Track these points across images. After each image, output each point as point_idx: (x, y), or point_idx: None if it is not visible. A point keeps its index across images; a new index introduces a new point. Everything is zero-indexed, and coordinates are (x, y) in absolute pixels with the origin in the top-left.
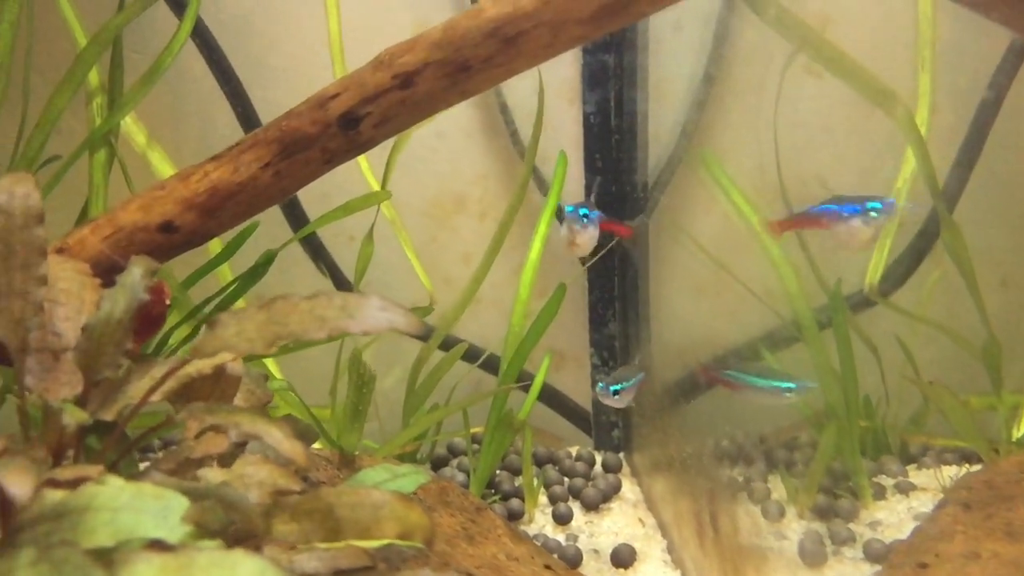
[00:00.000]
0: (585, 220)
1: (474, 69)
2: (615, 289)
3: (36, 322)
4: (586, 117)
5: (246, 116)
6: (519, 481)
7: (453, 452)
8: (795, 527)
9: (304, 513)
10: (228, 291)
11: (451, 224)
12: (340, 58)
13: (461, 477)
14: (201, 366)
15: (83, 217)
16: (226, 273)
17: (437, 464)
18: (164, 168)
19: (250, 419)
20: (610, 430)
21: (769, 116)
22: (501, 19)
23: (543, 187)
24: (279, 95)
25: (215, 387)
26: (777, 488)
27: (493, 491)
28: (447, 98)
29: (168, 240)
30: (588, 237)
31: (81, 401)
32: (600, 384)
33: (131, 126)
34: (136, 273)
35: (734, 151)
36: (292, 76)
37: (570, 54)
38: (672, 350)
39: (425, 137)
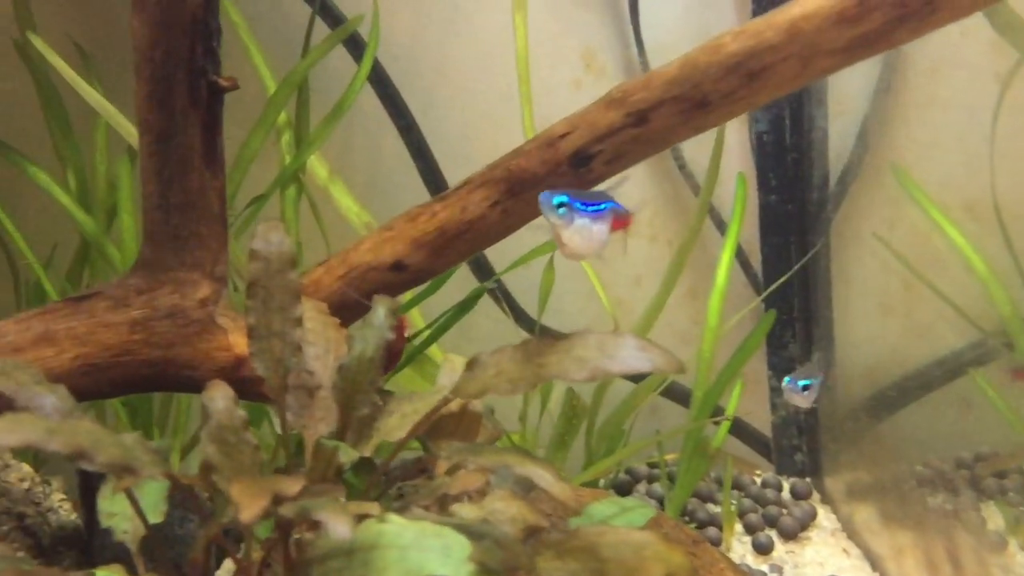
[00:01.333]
0: (564, 213)
1: (713, 105)
2: (794, 310)
3: (294, 362)
4: (758, 136)
5: (419, 151)
6: (711, 508)
7: (635, 477)
8: (1020, 560)
9: (568, 552)
10: (437, 324)
11: (621, 247)
12: (527, 89)
13: (653, 504)
14: (451, 404)
15: None
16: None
17: (620, 490)
18: (345, 200)
19: (519, 460)
20: (792, 454)
21: (982, 129)
22: (744, 53)
23: (711, 212)
24: (449, 127)
25: (460, 424)
26: (992, 518)
27: (687, 519)
28: (681, 133)
29: (398, 278)
30: (576, 235)
31: (337, 437)
32: (787, 380)
33: (313, 161)
34: (381, 312)
35: (918, 166)
36: (462, 108)
37: None
38: (859, 370)
39: None
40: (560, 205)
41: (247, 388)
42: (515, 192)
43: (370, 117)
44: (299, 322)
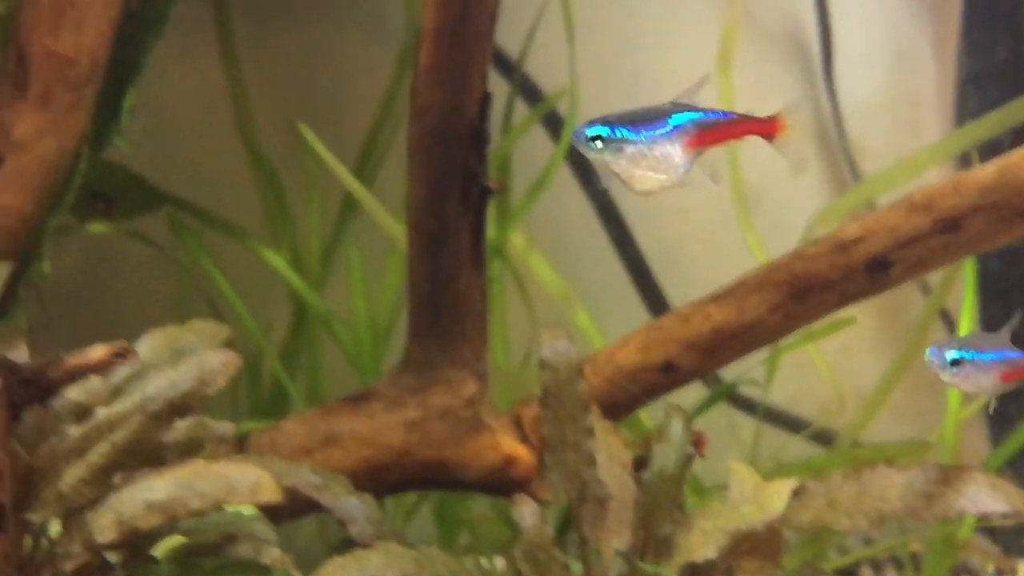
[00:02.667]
0: (603, 147)
1: None
2: None
3: (589, 473)
4: None
5: (610, 215)
6: None
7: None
8: None
9: None
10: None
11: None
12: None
13: None
14: (755, 523)
15: None
16: None
17: None
18: (544, 271)
19: None
20: (1019, 536)
21: None
22: None
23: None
24: (655, 215)
25: (763, 543)
26: None
27: None
28: (1000, 240)
29: (667, 379)
30: (633, 168)
31: (637, 553)
32: (931, 349)
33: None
34: (679, 427)
35: None
36: (665, 195)
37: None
38: None
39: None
40: (595, 138)
41: (515, 488)
42: (799, 297)
43: (555, 182)
44: (591, 432)
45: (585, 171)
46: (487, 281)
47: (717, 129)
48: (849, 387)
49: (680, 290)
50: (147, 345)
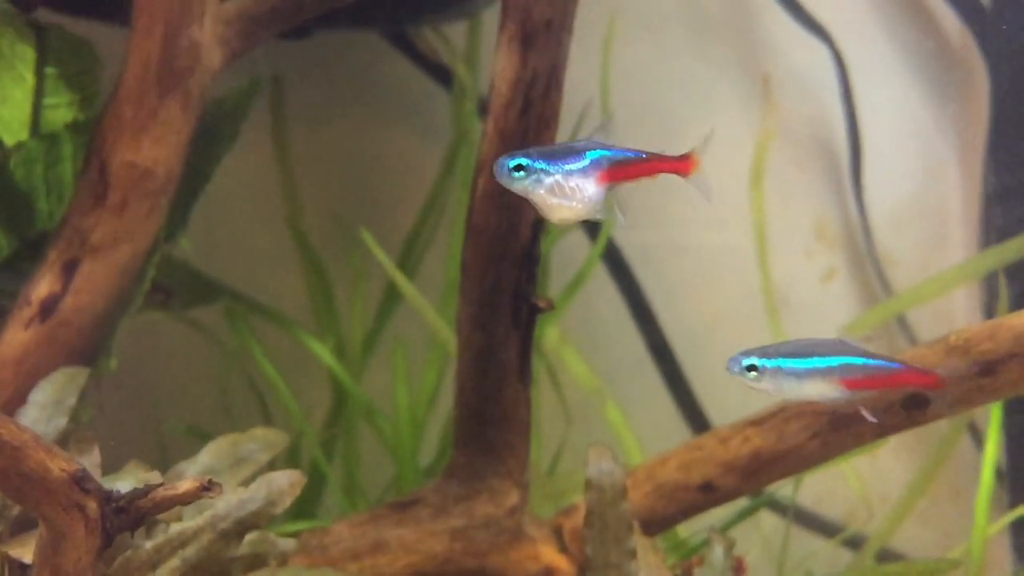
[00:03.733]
0: (524, 176)
1: None
2: None
3: None
4: None
5: (643, 313)
6: None
7: None
8: None
9: None
10: None
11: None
12: (764, 257)
13: None
14: None
15: None
16: None
17: None
18: (577, 366)
19: None
20: None
21: None
22: None
23: None
24: (676, 287)
25: None
26: None
27: None
28: None
29: (705, 499)
30: (552, 196)
31: None
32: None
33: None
34: (720, 552)
35: None
36: (693, 271)
37: None
38: None
39: None
40: (517, 168)
41: None
42: (838, 427)
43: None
44: (633, 554)
45: (619, 269)
46: (530, 394)
47: (630, 166)
48: (874, 490)
49: (709, 389)
50: (211, 452)
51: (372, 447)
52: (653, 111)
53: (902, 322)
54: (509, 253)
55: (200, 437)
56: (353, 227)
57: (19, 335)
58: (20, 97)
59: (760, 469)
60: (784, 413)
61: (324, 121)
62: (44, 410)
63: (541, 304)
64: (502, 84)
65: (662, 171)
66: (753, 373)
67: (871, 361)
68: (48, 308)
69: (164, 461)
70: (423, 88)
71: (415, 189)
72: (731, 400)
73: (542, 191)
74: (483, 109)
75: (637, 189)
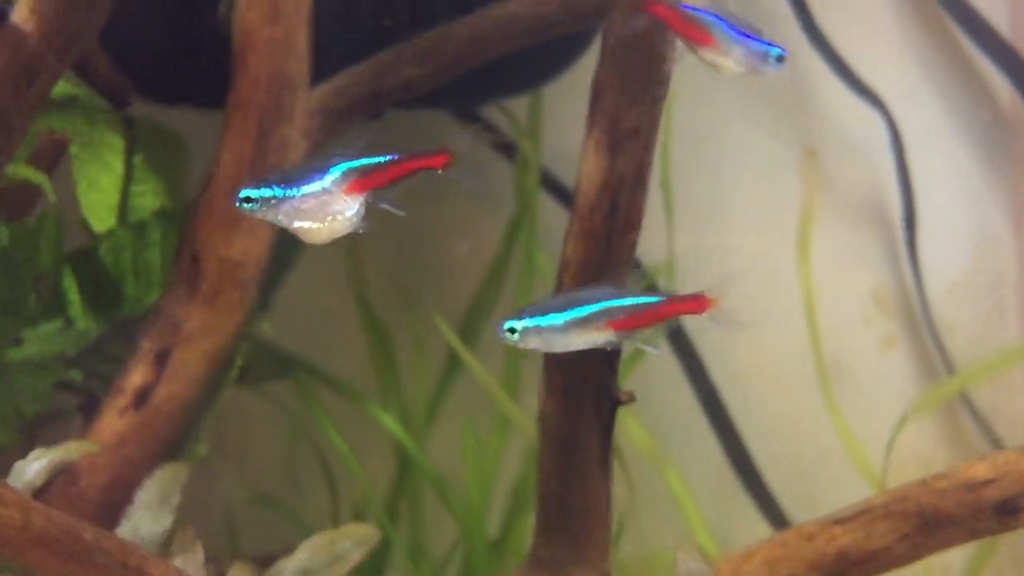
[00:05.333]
0: (257, 207)
1: None
2: None
3: None
4: None
5: (713, 411)
6: None
7: None
8: None
9: None
10: None
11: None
12: (815, 330)
13: None
14: None
15: None
16: None
17: None
18: (637, 433)
19: None
20: None
21: None
22: None
23: None
24: (735, 364)
25: None
26: None
27: None
28: None
29: None
30: (294, 220)
31: None
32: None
33: None
34: None
35: None
36: (747, 347)
37: None
38: None
39: None
40: (247, 200)
41: None
42: (928, 530)
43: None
44: None
45: (679, 337)
46: (611, 484)
47: (381, 171)
48: (936, 561)
49: (768, 458)
50: (308, 550)
51: (436, 512)
52: (707, 177)
53: (964, 396)
54: (592, 350)
55: (266, 504)
56: (415, 294)
57: (115, 423)
58: (107, 184)
59: (846, 569)
60: (871, 513)
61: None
62: (150, 510)
63: (622, 397)
64: (589, 187)
65: (417, 169)
66: (515, 335)
67: (633, 300)
68: (142, 397)
69: (230, 528)
70: (486, 159)
71: (476, 258)
72: (789, 466)
73: (282, 217)
74: (546, 182)
75: (696, 258)
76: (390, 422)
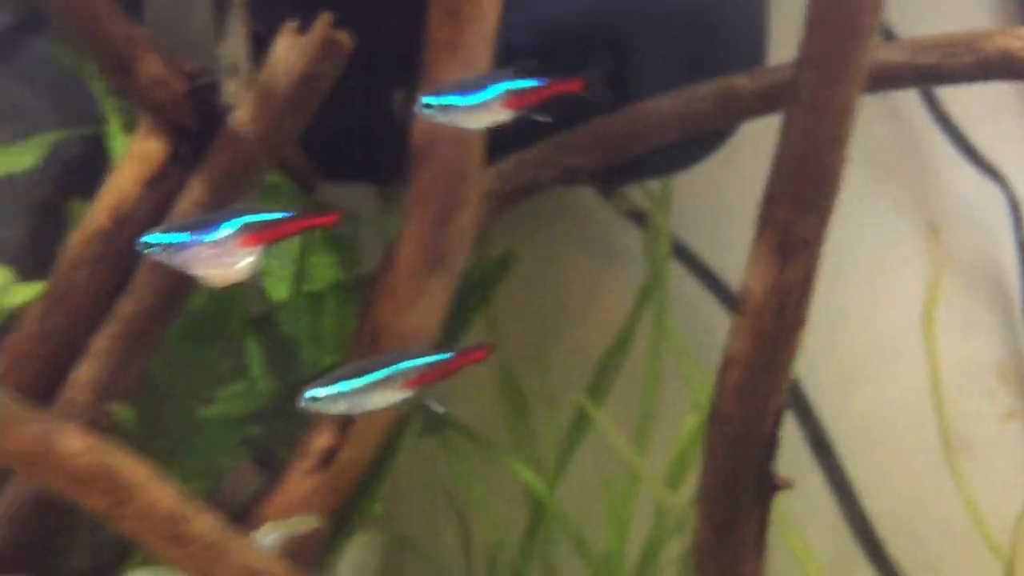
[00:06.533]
0: (154, 247)
1: None
2: None
3: None
4: None
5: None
6: None
7: None
8: None
9: None
10: None
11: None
12: (940, 401)
13: None
14: None
15: None
16: None
17: None
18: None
19: None
20: None
21: None
22: None
23: None
24: (858, 438)
25: None
26: None
27: None
28: None
29: None
30: (193, 267)
31: None
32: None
33: None
34: None
35: None
36: (874, 438)
37: None
38: None
39: None
40: (148, 245)
41: None
42: None
43: None
44: None
45: (817, 437)
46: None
47: (275, 227)
48: None
49: (890, 530)
50: None
51: (569, 563)
52: (834, 252)
53: None
54: (753, 439)
55: (405, 546)
56: (548, 353)
57: (302, 483)
58: (287, 256)
59: None
60: None
61: (518, 251)
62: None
63: (781, 483)
64: (758, 289)
65: (310, 227)
66: (316, 403)
67: (424, 360)
68: (326, 459)
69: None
70: (619, 226)
71: (609, 318)
72: (911, 536)
73: (179, 262)
74: (677, 252)
75: (818, 334)
76: (524, 472)
